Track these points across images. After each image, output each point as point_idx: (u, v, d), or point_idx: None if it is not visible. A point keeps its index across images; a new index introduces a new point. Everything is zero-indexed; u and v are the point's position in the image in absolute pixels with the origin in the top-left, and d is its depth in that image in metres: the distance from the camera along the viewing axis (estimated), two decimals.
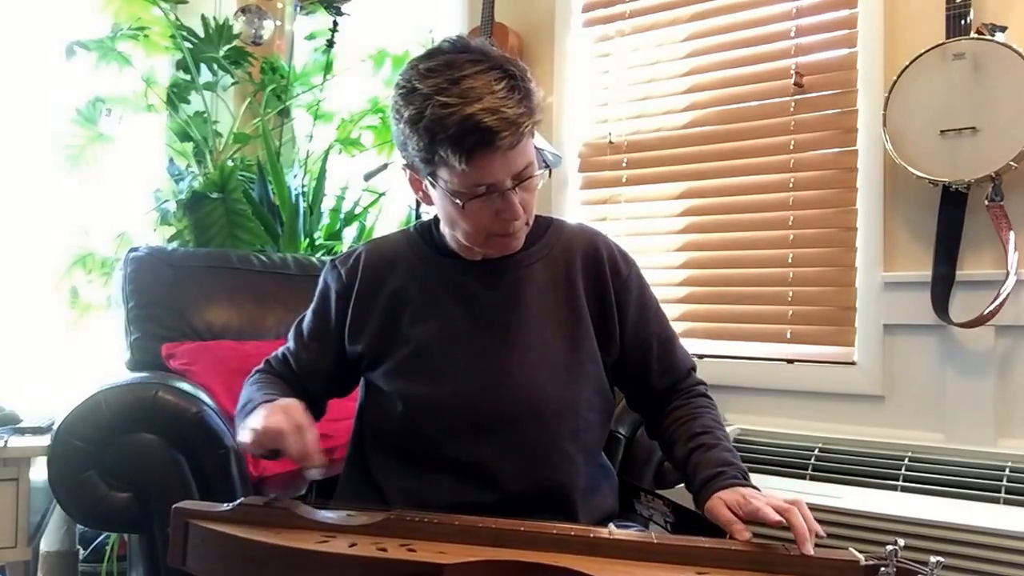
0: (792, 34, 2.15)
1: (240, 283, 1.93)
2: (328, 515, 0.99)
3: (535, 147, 1.12)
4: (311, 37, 2.77)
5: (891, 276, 1.95)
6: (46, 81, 2.40)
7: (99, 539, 2.26)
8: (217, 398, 1.53)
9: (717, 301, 2.23)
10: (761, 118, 2.18)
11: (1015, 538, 1.43)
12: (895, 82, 1.85)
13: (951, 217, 1.84)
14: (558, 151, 2.35)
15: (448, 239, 1.20)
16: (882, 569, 0.87)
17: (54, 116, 2.36)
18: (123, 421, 1.32)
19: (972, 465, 1.72)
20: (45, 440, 1.55)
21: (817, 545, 0.94)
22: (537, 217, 1.21)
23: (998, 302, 1.72)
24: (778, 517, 0.96)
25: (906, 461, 1.76)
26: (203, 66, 2.47)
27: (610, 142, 2.45)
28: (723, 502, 1.02)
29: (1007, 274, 1.73)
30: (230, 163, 2.44)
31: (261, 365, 1.29)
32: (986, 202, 1.77)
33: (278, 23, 2.72)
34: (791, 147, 2.13)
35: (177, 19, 2.43)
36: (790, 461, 1.87)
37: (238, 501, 0.99)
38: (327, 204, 2.63)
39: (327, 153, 2.60)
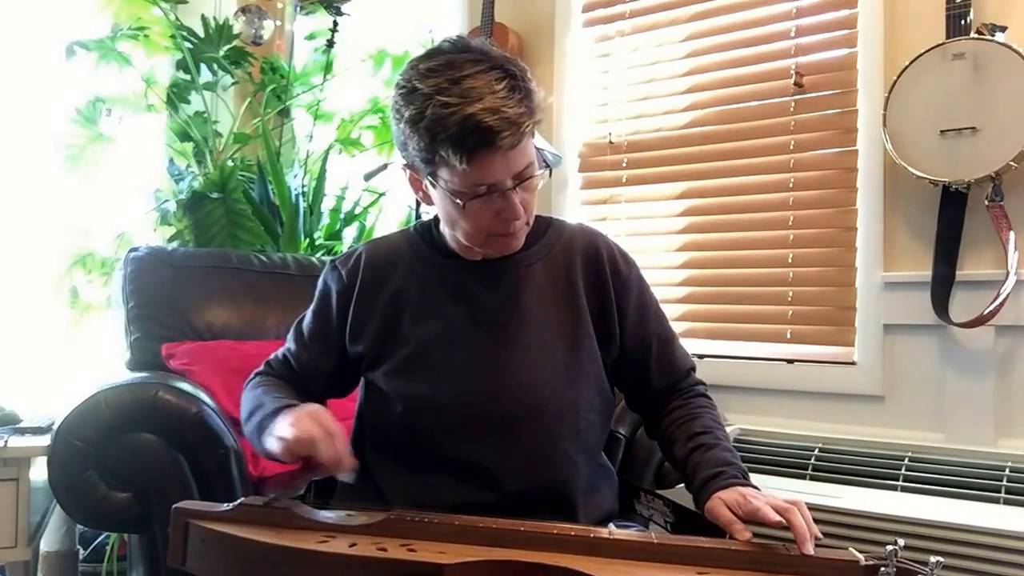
0: (792, 34, 2.15)
1: (240, 283, 1.93)
2: (328, 515, 0.99)
3: (535, 147, 1.12)
4: (311, 37, 2.77)
5: (891, 276, 1.95)
6: (46, 81, 2.40)
7: (99, 539, 2.26)
8: (217, 398, 1.53)
9: (717, 301, 2.23)
10: (761, 118, 2.18)
11: (1015, 538, 1.43)
12: (895, 82, 1.85)
13: (951, 217, 1.84)
14: (558, 151, 2.35)
15: (448, 239, 1.20)
16: (882, 569, 0.87)
17: (54, 116, 2.36)
18: (123, 421, 1.32)
19: (972, 465, 1.72)
20: (45, 440, 1.55)
21: (817, 545, 0.94)
22: (537, 217, 1.21)
23: (998, 302, 1.72)
24: (778, 518, 0.96)
25: (906, 461, 1.76)
26: (203, 66, 2.47)
27: (610, 142, 2.45)
28: (723, 502, 1.02)
29: (1007, 274, 1.73)
30: (230, 163, 2.44)
31: (261, 367, 1.28)
32: (986, 202, 1.77)
33: (278, 23, 2.72)
34: (791, 147, 2.13)
35: (177, 19, 2.43)
36: (790, 461, 1.88)
37: (238, 501, 0.99)
38: (327, 204, 2.63)
39: (327, 153, 2.60)
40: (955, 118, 1.77)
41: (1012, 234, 1.74)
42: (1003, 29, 1.76)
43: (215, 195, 2.27)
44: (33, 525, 1.73)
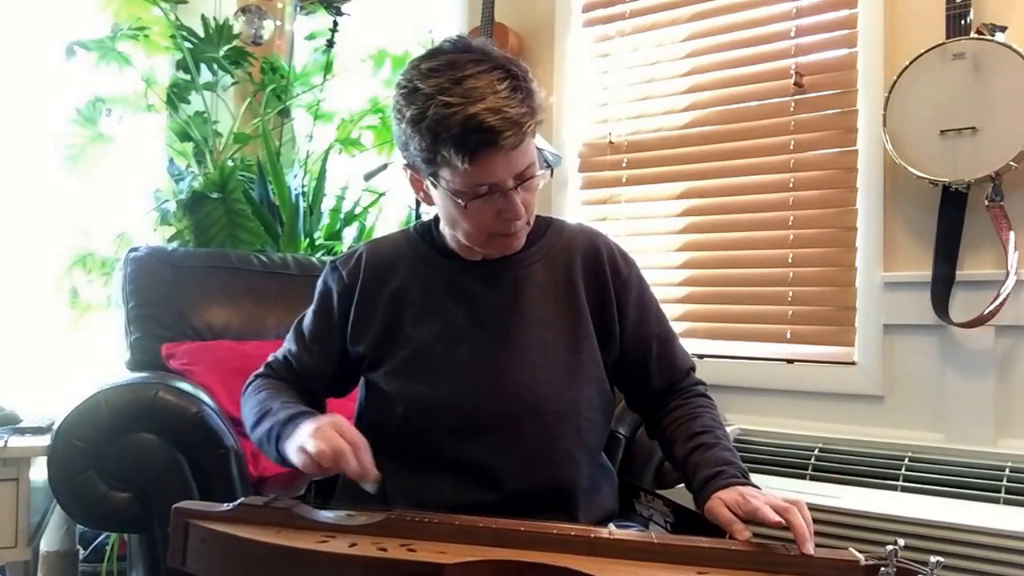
0: (792, 34, 2.15)
1: (240, 283, 1.93)
2: (328, 515, 0.99)
3: (536, 147, 1.12)
4: (311, 37, 2.77)
5: (891, 276, 1.95)
6: (46, 81, 2.40)
7: (99, 539, 2.26)
8: (217, 398, 1.53)
9: (717, 301, 2.23)
10: (761, 118, 2.18)
11: (1015, 538, 1.43)
12: (895, 82, 1.85)
13: (951, 217, 1.84)
14: (558, 151, 2.35)
15: (448, 239, 1.20)
16: (882, 569, 0.87)
17: (54, 116, 2.36)
18: (123, 421, 1.32)
19: (972, 465, 1.72)
20: (45, 440, 1.55)
21: (817, 545, 0.94)
22: (537, 217, 1.21)
23: (998, 302, 1.72)
24: (777, 518, 0.96)
25: (906, 461, 1.76)
26: (203, 66, 2.47)
27: (610, 142, 2.45)
28: (722, 502, 1.02)
29: (1007, 274, 1.73)
30: (230, 163, 2.44)
31: (261, 368, 1.28)
32: (986, 202, 1.77)
33: (278, 23, 2.72)
34: (791, 147, 2.13)
35: (177, 19, 2.43)
36: (790, 461, 1.88)
37: (238, 501, 0.99)
38: (327, 204, 2.63)
39: (327, 153, 2.60)
40: (955, 118, 1.77)
41: (1012, 234, 1.74)
42: (1003, 29, 1.76)
43: (215, 195, 2.27)
44: (33, 525, 1.73)
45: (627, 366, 1.25)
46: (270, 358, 1.29)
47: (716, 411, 1.23)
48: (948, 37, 1.80)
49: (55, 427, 1.32)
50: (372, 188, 2.58)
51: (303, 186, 2.56)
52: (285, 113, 2.70)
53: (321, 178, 2.54)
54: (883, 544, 0.88)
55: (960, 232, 1.84)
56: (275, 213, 2.43)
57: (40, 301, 2.35)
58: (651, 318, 1.26)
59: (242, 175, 2.44)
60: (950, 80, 1.78)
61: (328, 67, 2.66)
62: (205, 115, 2.51)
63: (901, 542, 0.87)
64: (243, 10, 2.63)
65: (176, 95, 2.48)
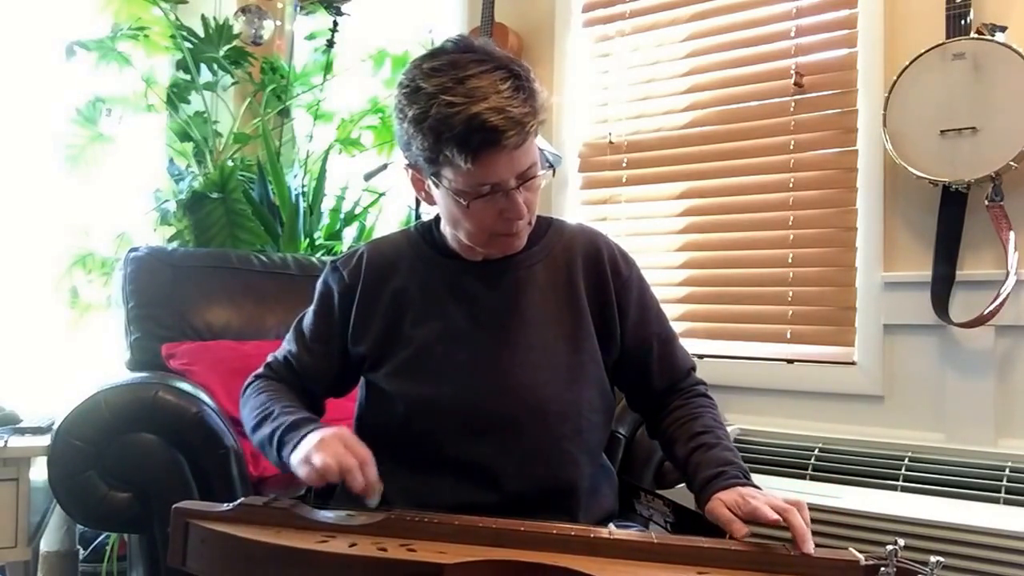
0: (792, 34, 2.15)
1: (240, 283, 1.93)
2: (328, 515, 0.99)
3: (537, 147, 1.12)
4: (311, 37, 2.77)
5: (891, 276, 1.95)
6: (46, 81, 2.40)
7: (99, 539, 2.26)
8: (217, 398, 1.53)
9: (717, 301, 2.23)
10: (761, 118, 2.18)
11: (1015, 538, 1.43)
12: (895, 82, 1.85)
13: (951, 217, 1.84)
14: (558, 151, 2.35)
15: (449, 239, 1.20)
16: (882, 569, 0.87)
17: (54, 116, 2.36)
18: (123, 421, 1.32)
19: (972, 465, 1.72)
20: (45, 440, 1.55)
21: (817, 545, 0.94)
22: (538, 217, 1.21)
23: (998, 302, 1.72)
24: (775, 515, 0.96)
25: (906, 461, 1.76)
26: (203, 66, 2.47)
27: (610, 142, 2.45)
28: (723, 502, 1.02)
29: (1007, 274, 1.73)
30: (230, 163, 2.44)
31: (261, 369, 1.28)
32: (986, 202, 1.77)
33: (278, 23, 2.72)
34: (791, 147, 2.13)
35: (177, 19, 2.43)
36: (790, 461, 1.88)
37: (238, 501, 0.99)
38: (327, 204, 2.63)
39: (327, 153, 2.60)
40: (955, 118, 1.77)
41: (1012, 234, 1.74)
42: (1003, 29, 1.76)
43: (215, 195, 2.27)
44: (33, 525, 1.73)
45: (628, 366, 1.25)
46: (270, 358, 1.29)
47: (717, 411, 1.23)
48: (948, 37, 1.80)
49: (55, 427, 1.32)
50: (372, 188, 2.58)
51: (303, 186, 2.56)
52: (285, 113, 2.70)
53: (321, 178, 2.54)
54: (883, 544, 0.88)
55: (960, 232, 1.84)
56: (275, 213, 2.43)
57: (40, 301, 2.35)
58: (652, 318, 1.26)
59: (242, 175, 2.44)
60: (950, 80, 1.78)
61: (328, 67, 2.66)
62: (205, 115, 2.51)
63: (901, 542, 0.87)
64: (243, 10, 2.63)
65: (176, 95, 2.48)
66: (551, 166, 1.14)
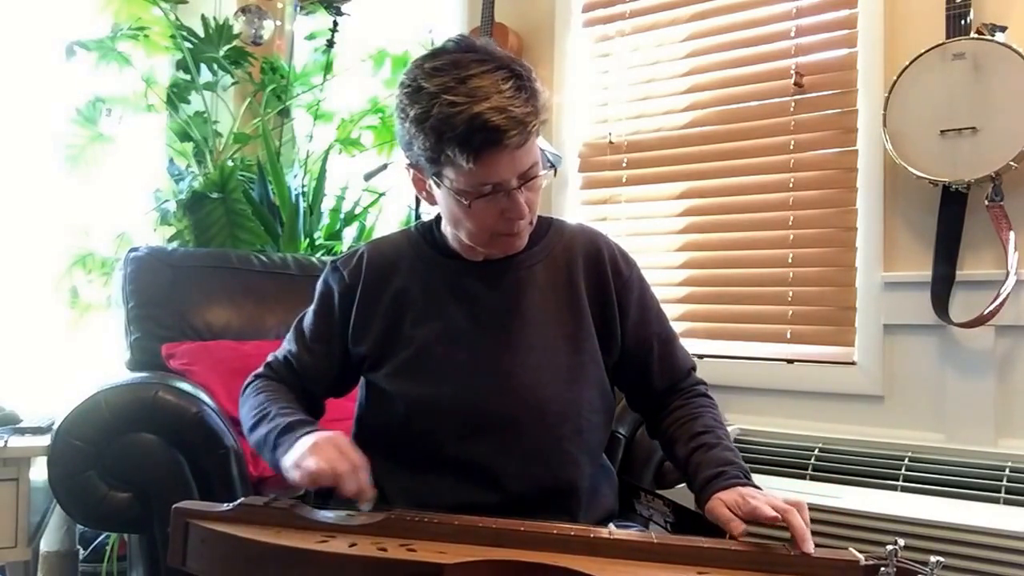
0: (792, 34, 2.15)
1: (240, 283, 1.93)
2: (328, 515, 0.99)
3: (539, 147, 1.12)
4: (311, 37, 2.77)
5: (891, 276, 1.95)
6: (46, 81, 2.40)
7: (99, 539, 2.26)
8: (217, 398, 1.53)
9: (717, 301, 2.23)
10: (761, 118, 2.18)
11: (1015, 538, 1.43)
12: (895, 82, 1.85)
13: (951, 217, 1.84)
14: (558, 151, 2.35)
15: (450, 239, 1.20)
16: (882, 569, 0.87)
17: (54, 116, 2.36)
18: (123, 421, 1.32)
19: (972, 465, 1.72)
20: (45, 440, 1.55)
21: (817, 545, 0.94)
22: (538, 217, 1.21)
23: (998, 302, 1.72)
24: (773, 513, 0.96)
25: (906, 461, 1.76)
26: (203, 66, 2.47)
27: (610, 142, 2.45)
28: (723, 502, 1.02)
29: (1007, 274, 1.73)
30: (230, 163, 2.44)
31: (261, 369, 1.28)
32: (986, 202, 1.77)
33: (278, 23, 2.72)
34: (791, 147, 2.13)
35: (177, 19, 2.43)
36: (790, 461, 1.88)
37: (238, 501, 0.99)
38: (327, 204, 2.63)
39: (327, 153, 2.60)
40: (955, 118, 1.77)
41: (1012, 234, 1.74)
42: (1003, 29, 1.76)
43: (215, 195, 2.27)
44: (33, 525, 1.73)
45: (628, 367, 1.25)
46: (270, 358, 1.29)
47: (717, 411, 1.23)
48: (948, 37, 1.80)
49: (55, 427, 1.32)
50: (372, 188, 2.58)
51: (303, 186, 2.56)
52: (285, 113, 2.70)
53: (321, 178, 2.54)
54: (883, 544, 0.88)
55: (960, 232, 1.84)
56: (275, 213, 2.43)
57: (40, 301, 2.35)
58: (652, 318, 1.26)
59: (242, 175, 2.44)
60: (950, 80, 1.78)
61: (328, 67, 2.66)
62: (205, 115, 2.52)
63: (901, 542, 0.87)
64: (243, 10, 2.63)
65: (176, 95, 2.48)
66: (552, 166, 1.14)
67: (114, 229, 2.43)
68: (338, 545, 0.89)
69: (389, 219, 2.70)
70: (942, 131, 1.78)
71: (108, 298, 2.31)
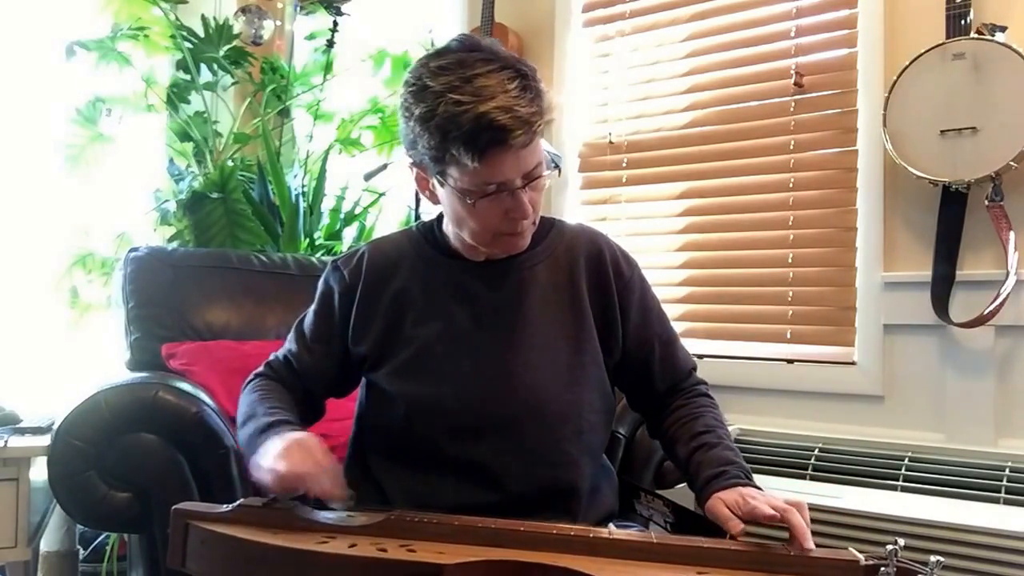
0: (792, 34, 2.15)
1: (240, 283, 1.93)
2: (328, 515, 0.99)
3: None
4: (311, 37, 2.76)
5: (891, 276, 1.95)
6: (46, 81, 2.40)
7: (99, 539, 2.26)
8: (217, 398, 1.53)
9: (717, 301, 2.23)
10: (761, 118, 2.18)
11: (1015, 538, 1.43)
12: (895, 82, 1.85)
13: (951, 217, 1.84)
14: (558, 151, 2.35)
15: (452, 239, 1.20)
16: (882, 569, 0.87)
17: (54, 116, 2.36)
18: (123, 421, 1.32)
19: (972, 465, 1.72)
20: (45, 440, 1.55)
21: (817, 545, 0.94)
22: (540, 218, 1.21)
23: (998, 302, 1.72)
24: (772, 512, 0.96)
25: (906, 461, 1.76)
26: (203, 66, 2.47)
27: (610, 142, 2.45)
28: (723, 501, 1.02)
29: (1007, 274, 1.73)
30: (230, 163, 2.44)
31: (261, 368, 1.28)
32: (986, 202, 1.77)
33: (278, 23, 2.72)
34: (791, 147, 2.13)
35: (177, 19, 2.43)
36: (790, 461, 1.88)
37: (238, 502, 0.99)
38: (327, 204, 2.63)
39: (327, 153, 2.60)
40: (955, 118, 1.77)
41: (1012, 234, 1.74)
42: (1003, 29, 1.76)
43: (215, 195, 2.27)
44: (33, 525, 1.73)
45: (629, 368, 1.25)
46: (271, 357, 1.29)
47: (718, 411, 1.23)
48: (948, 37, 1.80)
49: (55, 427, 1.32)
50: (372, 188, 2.58)
51: (303, 186, 2.55)
52: (285, 113, 2.70)
53: (321, 178, 2.54)
54: (883, 544, 0.88)
55: (960, 232, 1.84)
56: (275, 213, 2.43)
57: (40, 301, 2.35)
58: (653, 319, 1.26)
59: (242, 175, 2.44)
60: (950, 80, 1.78)
61: (328, 67, 2.66)
62: (205, 115, 2.51)
63: (901, 542, 0.87)
64: (243, 10, 2.63)
65: (176, 95, 2.47)
66: (556, 167, 1.15)
67: (114, 229, 2.43)
68: (338, 546, 0.89)
69: (389, 219, 2.69)
70: (942, 131, 1.78)
71: (108, 298, 2.31)
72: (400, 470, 1.18)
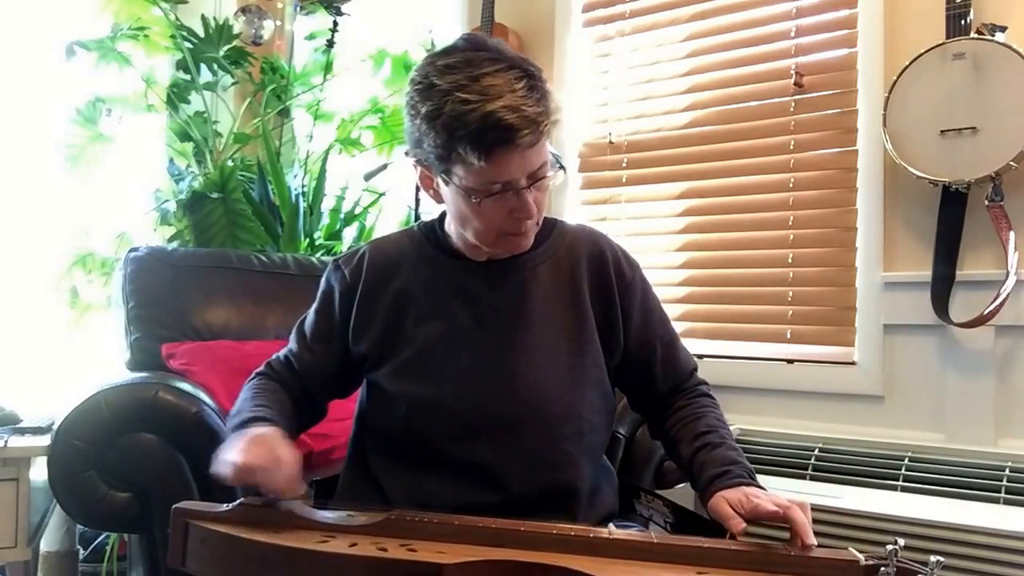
0: (792, 34, 2.15)
1: (240, 283, 1.93)
2: (328, 515, 0.99)
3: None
4: (311, 37, 2.77)
5: (891, 276, 1.95)
6: (46, 81, 2.40)
7: (99, 539, 2.27)
8: (217, 398, 1.53)
9: (717, 301, 2.23)
10: (761, 118, 2.18)
11: (1015, 538, 1.43)
12: (895, 82, 1.85)
13: (951, 217, 1.84)
14: (558, 151, 2.34)
15: (455, 238, 1.20)
16: (882, 569, 0.87)
17: (54, 116, 2.36)
18: (123, 421, 1.32)
19: (972, 465, 1.72)
20: (45, 440, 1.55)
21: (817, 545, 0.94)
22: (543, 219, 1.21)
23: (998, 302, 1.72)
24: (774, 508, 0.96)
25: (906, 461, 1.76)
26: (203, 66, 2.47)
27: (610, 142, 2.45)
28: (726, 500, 1.02)
29: (1007, 274, 1.73)
30: (230, 163, 2.44)
31: (262, 368, 1.28)
32: (986, 202, 1.77)
33: (278, 23, 2.72)
34: (791, 147, 2.13)
35: (177, 19, 2.43)
36: (790, 461, 1.88)
37: (238, 501, 0.99)
38: (327, 204, 2.63)
39: (327, 153, 2.60)
40: (955, 118, 1.77)
41: (1012, 234, 1.74)
42: (1003, 29, 1.76)
43: (215, 195, 2.27)
44: (33, 525, 1.73)
45: (631, 369, 1.25)
46: (272, 357, 1.29)
47: (720, 411, 1.23)
48: (948, 37, 1.80)
49: (55, 427, 1.32)
50: (372, 188, 2.58)
51: (303, 186, 2.55)
52: (285, 113, 2.70)
53: (321, 178, 2.54)
54: (883, 544, 0.88)
55: (960, 232, 1.84)
56: (275, 213, 2.43)
57: (40, 301, 2.35)
58: (655, 321, 1.26)
59: (242, 175, 2.44)
60: (950, 80, 1.78)
61: (328, 67, 2.66)
62: (205, 115, 2.51)
63: (901, 542, 0.87)
64: (243, 10, 2.63)
65: (176, 95, 2.47)
66: (562, 167, 1.15)
67: (114, 229, 2.43)
68: (338, 545, 0.89)
69: (389, 219, 2.70)
70: (942, 131, 1.78)
71: (108, 298, 2.31)
72: (400, 470, 1.18)
